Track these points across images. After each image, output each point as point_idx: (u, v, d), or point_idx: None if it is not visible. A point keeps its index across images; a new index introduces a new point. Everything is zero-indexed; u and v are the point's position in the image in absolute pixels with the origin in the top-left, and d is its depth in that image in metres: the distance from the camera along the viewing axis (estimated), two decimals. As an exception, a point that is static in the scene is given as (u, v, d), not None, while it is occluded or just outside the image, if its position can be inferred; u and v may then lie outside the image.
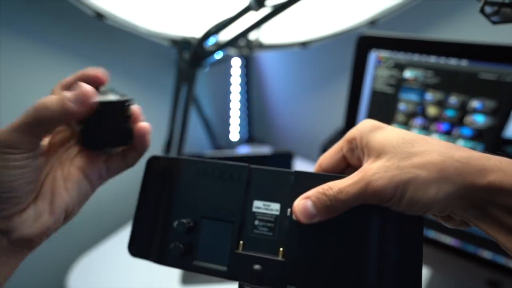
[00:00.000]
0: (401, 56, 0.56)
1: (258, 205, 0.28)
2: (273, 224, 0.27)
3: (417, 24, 0.74)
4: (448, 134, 0.56)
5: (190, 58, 0.62)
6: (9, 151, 0.23)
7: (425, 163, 0.22)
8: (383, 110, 0.61)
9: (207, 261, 0.28)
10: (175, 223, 0.28)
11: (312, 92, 1.00)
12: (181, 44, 0.64)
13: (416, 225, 0.25)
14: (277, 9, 0.46)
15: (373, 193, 0.23)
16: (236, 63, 0.97)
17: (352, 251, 0.25)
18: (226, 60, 0.95)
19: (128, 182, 0.90)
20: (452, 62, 0.52)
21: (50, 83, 0.73)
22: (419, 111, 0.57)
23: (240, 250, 0.27)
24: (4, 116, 0.61)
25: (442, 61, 0.53)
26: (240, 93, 1.03)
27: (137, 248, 0.29)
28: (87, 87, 0.25)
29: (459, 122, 0.54)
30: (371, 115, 0.62)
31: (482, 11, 0.29)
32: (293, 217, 0.26)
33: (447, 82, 0.53)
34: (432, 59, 0.53)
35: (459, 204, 0.22)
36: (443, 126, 0.56)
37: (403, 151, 0.23)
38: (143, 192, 0.30)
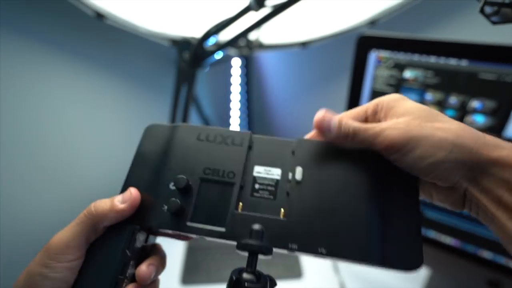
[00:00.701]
0: (401, 56, 0.56)
1: (259, 170, 0.28)
2: (274, 188, 0.28)
3: (417, 24, 0.74)
4: (448, 134, 0.56)
5: (190, 58, 0.62)
6: (61, 258, 0.24)
7: (445, 127, 0.23)
8: (383, 110, 0.61)
9: (203, 222, 0.26)
10: (171, 183, 0.27)
11: (312, 92, 1.00)
12: (181, 44, 0.64)
13: (412, 186, 0.26)
14: (277, 9, 0.46)
15: (384, 139, 0.25)
16: (236, 63, 0.97)
17: (353, 210, 0.26)
18: (226, 60, 0.95)
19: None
20: (452, 62, 0.52)
21: (50, 83, 0.73)
22: (419, 111, 0.57)
23: (239, 211, 0.27)
24: (4, 116, 0.61)
25: (442, 61, 0.53)
26: (240, 93, 1.03)
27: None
28: (134, 193, 0.27)
29: (459, 122, 0.54)
30: (371, 115, 0.62)
31: (482, 11, 0.29)
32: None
33: (447, 82, 0.53)
34: (432, 59, 0.54)
35: (467, 175, 0.23)
36: (443, 126, 0.56)
37: (427, 115, 0.24)
38: (138, 156, 0.29)
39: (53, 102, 0.71)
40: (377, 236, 0.25)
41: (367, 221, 0.26)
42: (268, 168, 0.28)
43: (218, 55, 0.62)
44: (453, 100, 0.53)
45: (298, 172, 0.28)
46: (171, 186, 0.27)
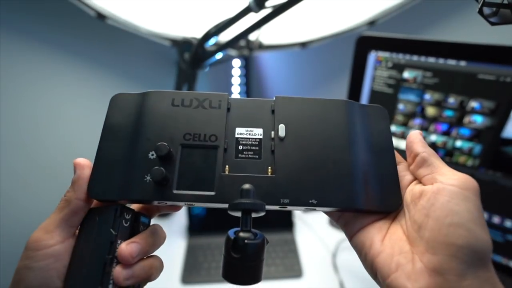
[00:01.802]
0: (400, 57, 0.57)
1: (241, 131, 0.28)
2: (258, 147, 0.27)
3: (416, 24, 0.74)
4: (447, 134, 0.56)
5: (191, 58, 0.62)
6: (38, 245, 0.23)
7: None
8: (383, 110, 0.61)
9: (189, 189, 0.25)
10: (150, 153, 0.26)
11: (312, 92, 1.01)
12: (182, 45, 0.65)
13: (387, 133, 0.29)
14: (277, 10, 0.46)
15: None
16: (236, 64, 0.98)
17: (337, 159, 0.27)
18: (227, 60, 0.95)
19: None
20: (451, 62, 0.52)
21: (50, 82, 0.73)
22: (418, 111, 0.58)
23: (227, 173, 0.26)
24: (4, 116, 0.61)
25: (441, 61, 0.53)
26: (240, 93, 1.03)
27: (100, 188, 0.25)
28: (76, 160, 0.27)
29: (458, 122, 0.54)
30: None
31: (480, 12, 0.29)
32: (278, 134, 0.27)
33: (446, 82, 0.53)
34: (431, 60, 0.54)
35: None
36: (442, 127, 0.56)
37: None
38: (107, 129, 0.27)
39: (54, 101, 0.71)
40: (361, 182, 0.26)
41: (350, 169, 0.26)
42: (249, 129, 0.28)
43: (219, 56, 0.62)
44: (452, 100, 0.54)
45: (281, 129, 0.28)
46: (150, 156, 0.26)
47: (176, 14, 0.71)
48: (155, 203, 0.26)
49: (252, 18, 0.50)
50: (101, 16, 0.61)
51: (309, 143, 0.27)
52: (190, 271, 0.71)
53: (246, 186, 0.25)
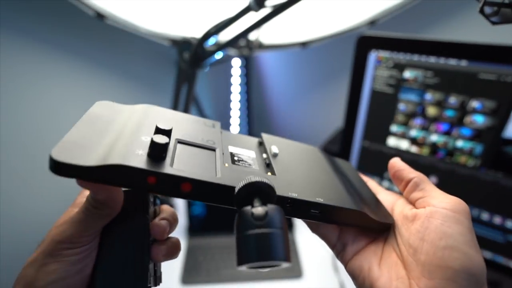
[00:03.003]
0: (401, 56, 0.56)
1: (234, 150, 0.28)
2: (253, 162, 0.27)
3: (417, 24, 0.74)
4: (447, 134, 0.56)
5: (190, 58, 0.62)
6: (70, 245, 0.22)
7: None
8: (383, 110, 0.61)
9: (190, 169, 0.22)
10: (144, 136, 0.23)
11: (312, 92, 1.00)
12: (182, 44, 0.64)
13: (352, 168, 0.36)
14: (277, 10, 0.46)
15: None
16: (236, 63, 0.97)
17: (329, 181, 0.29)
18: (226, 60, 0.95)
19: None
20: (452, 62, 0.52)
21: (50, 82, 0.73)
22: (419, 111, 0.57)
23: (229, 165, 0.25)
24: (4, 116, 0.61)
25: (442, 61, 0.53)
26: (240, 93, 1.03)
27: (68, 153, 0.20)
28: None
29: (458, 122, 0.54)
30: (371, 115, 0.62)
31: (481, 11, 0.29)
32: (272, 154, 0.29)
33: (446, 82, 0.53)
34: (432, 59, 0.54)
35: None
36: (443, 126, 0.56)
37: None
38: (89, 118, 0.24)
39: (53, 101, 0.71)
40: (357, 198, 0.28)
41: (344, 190, 0.28)
42: (242, 149, 0.28)
43: (218, 55, 0.62)
44: (453, 100, 0.54)
45: (274, 148, 0.29)
46: (144, 139, 0.22)
47: (176, 14, 0.71)
48: (143, 178, 0.20)
49: (252, 17, 0.49)
50: (100, 16, 0.61)
51: (301, 166, 0.29)
52: (190, 272, 0.71)
53: (252, 176, 0.22)
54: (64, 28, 0.69)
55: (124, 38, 0.76)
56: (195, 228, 0.80)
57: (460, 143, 0.55)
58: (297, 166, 0.28)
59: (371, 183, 0.33)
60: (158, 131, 0.23)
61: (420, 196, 0.25)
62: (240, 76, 1.01)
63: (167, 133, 0.23)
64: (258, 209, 0.20)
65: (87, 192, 0.25)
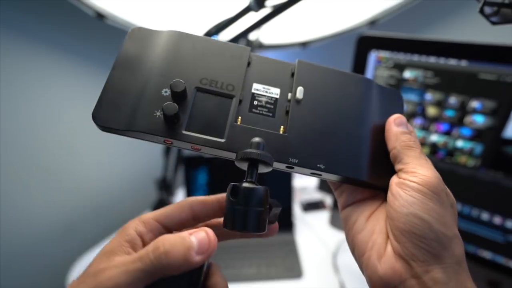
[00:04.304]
0: (401, 56, 0.56)
1: (258, 88, 0.27)
2: (273, 106, 0.27)
3: (417, 24, 0.74)
4: (447, 134, 0.56)
5: (190, 58, 0.62)
6: None
7: None
8: (383, 110, 0.61)
9: (199, 132, 0.25)
10: (164, 89, 0.25)
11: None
12: (181, 44, 0.64)
13: (398, 98, 0.30)
14: (277, 10, 0.46)
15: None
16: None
17: (349, 131, 0.27)
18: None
19: (128, 182, 0.91)
20: (452, 62, 0.52)
21: (50, 82, 0.73)
22: (419, 111, 0.57)
23: (239, 123, 0.26)
24: (4, 116, 0.61)
25: (442, 61, 0.53)
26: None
27: (105, 114, 0.24)
28: (213, 240, 0.23)
29: (458, 122, 0.54)
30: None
31: (481, 11, 0.29)
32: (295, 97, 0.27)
33: (446, 82, 0.53)
34: (432, 60, 0.54)
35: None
36: (443, 126, 0.56)
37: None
38: (121, 59, 0.26)
39: (53, 101, 0.71)
40: (367, 156, 0.27)
41: (360, 142, 0.27)
42: (267, 87, 0.27)
43: (218, 55, 0.62)
44: (453, 100, 0.53)
45: (299, 91, 0.27)
46: (164, 93, 0.25)
47: (176, 13, 0.71)
48: (161, 140, 0.25)
49: (252, 17, 0.49)
50: (100, 16, 0.61)
51: (324, 110, 0.27)
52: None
53: (257, 139, 0.25)
54: (64, 28, 0.69)
55: (124, 38, 0.76)
56: (195, 228, 0.80)
57: (460, 143, 0.55)
58: (318, 114, 0.27)
59: (406, 137, 0.27)
60: (174, 95, 0.25)
61: (399, 168, 0.26)
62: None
63: (181, 95, 0.25)
64: (239, 185, 0.23)
65: (130, 231, 0.23)
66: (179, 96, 0.25)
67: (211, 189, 0.81)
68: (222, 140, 0.25)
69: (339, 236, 0.78)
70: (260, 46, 0.76)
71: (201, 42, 0.27)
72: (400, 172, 0.25)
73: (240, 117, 0.26)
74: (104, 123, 0.24)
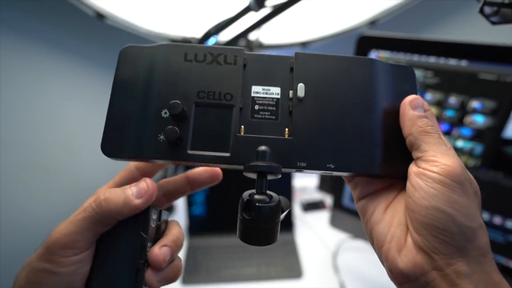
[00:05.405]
0: (401, 56, 0.56)
1: (257, 90, 0.26)
2: (275, 107, 0.26)
3: (417, 24, 0.74)
4: (448, 134, 0.56)
5: (190, 58, 0.62)
6: (66, 252, 0.22)
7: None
8: (383, 110, 0.61)
9: (204, 149, 0.25)
10: (163, 111, 0.25)
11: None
12: (181, 44, 0.64)
13: (410, 75, 0.27)
14: (277, 10, 0.46)
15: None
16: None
17: (357, 121, 0.26)
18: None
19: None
20: (452, 62, 0.52)
21: (50, 82, 0.73)
22: (419, 111, 0.57)
23: (242, 134, 0.25)
24: (3, 116, 0.61)
25: (442, 61, 0.53)
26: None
27: (112, 146, 0.25)
28: (151, 186, 0.25)
29: (458, 122, 0.54)
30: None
31: (481, 11, 0.29)
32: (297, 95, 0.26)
33: (446, 82, 0.53)
34: (432, 60, 0.54)
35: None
36: (443, 126, 0.56)
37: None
38: (117, 84, 0.26)
39: (53, 101, 0.71)
40: (380, 147, 0.26)
41: (370, 132, 0.26)
42: (266, 88, 0.27)
43: (218, 55, 0.62)
44: (453, 100, 0.53)
45: (300, 89, 0.26)
46: (163, 114, 0.25)
47: (176, 13, 0.71)
48: (170, 163, 0.26)
49: (252, 17, 0.49)
50: (100, 16, 0.61)
51: (329, 103, 0.26)
52: (190, 272, 0.71)
53: (262, 147, 0.24)
54: (64, 28, 0.69)
55: (124, 38, 0.76)
56: (195, 228, 0.80)
57: (460, 143, 0.55)
58: (323, 110, 0.26)
59: (423, 122, 0.25)
60: (173, 116, 0.25)
61: (417, 156, 0.24)
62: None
63: (180, 115, 0.25)
64: (253, 201, 0.23)
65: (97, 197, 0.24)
66: (178, 117, 0.25)
67: (212, 188, 0.81)
68: (228, 154, 0.25)
69: (339, 236, 0.78)
70: (260, 46, 0.76)
71: (193, 51, 0.27)
72: (419, 161, 0.24)
73: (242, 126, 0.25)
74: (113, 155, 0.25)
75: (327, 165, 0.25)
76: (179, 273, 0.26)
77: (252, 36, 0.75)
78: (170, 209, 0.85)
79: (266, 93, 0.26)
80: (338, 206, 0.71)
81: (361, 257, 0.72)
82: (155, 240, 0.25)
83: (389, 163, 0.25)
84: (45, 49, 0.68)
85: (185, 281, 0.69)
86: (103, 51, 0.77)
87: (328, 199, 0.92)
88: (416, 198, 0.22)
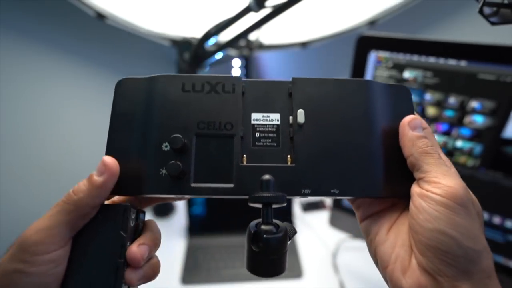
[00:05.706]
0: (401, 57, 0.56)
1: (257, 117, 0.26)
2: (276, 134, 0.26)
3: (417, 24, 0.74)
4: (447, 134, 0.56)
5: (191, 58, 0.62)
6: (38, 249, 0.21)
7: None
8: (383, 110, 0.61)
9: (207, 181, 0.25)
10: (164, 144, 0.25)
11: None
12: (182, 45, 0.64)
13: (406, 94, 0.28)
14: (277, 10, 0.46)
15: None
16: (236, 64, 0.97)
17: (358, 144, 0.26)
18: (227, 60, 0.95)
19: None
20: (451, 62, 0.52)
21: (50, 82, 0.73)
22: (419, 111, 0.57)
23: (245, 163, 0.25)
24: (3, 116, 0.61)
25: (442, 61, 0.53)
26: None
27: (116, 184, 0.24)
28: (110, 162, 0.24)
29: (458, 122, 0.54)
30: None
31: (481, 11, 0.29)
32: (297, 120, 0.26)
33: (446, 82, 0.53)
34: (432, 60, 0.54)
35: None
36: (443, 127, 0.56)
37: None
38: (115, 119, 0.26)
39: (53, 101, 0.71)
40: (381, 168, 0.26)
41: (372, 154, 0.26)
42: (266, 114, 0.26)
43: (218, 56, 0.62)
44: (452, 100, 0.54)
45: (300, 115, 0.26)
46: (164, 148, 0.25)
47: (176, 14, 0.71)
48: (171, 196, 0.26)
49: (252, 18, 0.49)
50: (100, 16, 0.61)
51: (329, 127, 0.26)
52: (190, 271, 0.71)
53: (266, 177, 0.24)
54: (64, 28, 0.69)
55: (124, 38, 0.76)
56: (195, 228, 0.80)
57: (459, 143, 0.55)
58: (323, 135, 0.26)
59: (422, 142, 0.25)
60: (174, 150, 0.25)
61: (419, 177, 0.24)
62: (240, 76, 1.01)
63: (181, 149, 0.25)
64: (260, 232, 0.23)
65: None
66: (179, 150, 0.25)
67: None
68: (231, 185, 0.25)
69: (339, 236, 0.78)
70: (260, 46, 0.76)
71: (190, 81, 0.26)
72: (421, 182, 0.24)
73: (245, 155, 0.25)
74: (117, 193, 0.24)
75: (331, 191, 0.25)
76: (158, 271, 0.26)
77: (252, 36, 0.75)
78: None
79: (266, 120, 0.26)
80: (338, 206, 0.71)
81: (361, 257, 0.72)
82: (133, 240, 0.25)
83: (391, 183, 0.26)
84: (45, 49, 0.68)
85: (185, 281, 0.69)
86: (103, 51, 0.77)
87: (328, 199, 0.92)
88: (420, 220, 0.22)
